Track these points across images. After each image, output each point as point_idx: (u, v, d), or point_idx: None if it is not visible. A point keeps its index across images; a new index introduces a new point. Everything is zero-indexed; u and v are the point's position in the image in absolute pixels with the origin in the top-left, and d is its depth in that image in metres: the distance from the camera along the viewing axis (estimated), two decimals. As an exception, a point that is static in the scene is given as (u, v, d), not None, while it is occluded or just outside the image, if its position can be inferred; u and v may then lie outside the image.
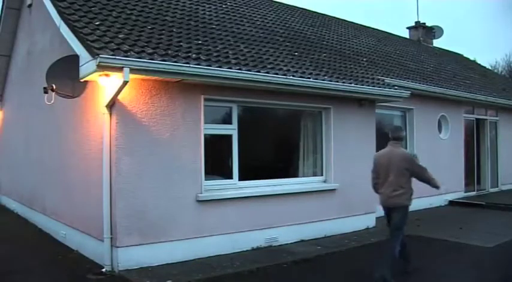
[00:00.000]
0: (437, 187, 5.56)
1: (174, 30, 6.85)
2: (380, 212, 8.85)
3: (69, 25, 5.88)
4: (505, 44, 51.53)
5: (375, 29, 14.86)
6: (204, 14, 8.21)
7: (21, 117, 10.08)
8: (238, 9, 9.44)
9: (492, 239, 7.38)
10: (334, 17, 13.67)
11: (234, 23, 8.41)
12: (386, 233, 7.37)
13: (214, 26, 7.72)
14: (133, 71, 5.28)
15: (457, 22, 51.62)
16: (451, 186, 11.03)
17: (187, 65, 5.76)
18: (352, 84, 7.81)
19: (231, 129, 6.87)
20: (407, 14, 24.92)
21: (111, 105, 5.69)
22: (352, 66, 8.99)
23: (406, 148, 10.75)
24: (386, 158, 5.51)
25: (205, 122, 6.44)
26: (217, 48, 6.73)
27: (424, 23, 16.87)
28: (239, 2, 10.12)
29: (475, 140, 13.13)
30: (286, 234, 7.18)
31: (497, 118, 13.91)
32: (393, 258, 5.31)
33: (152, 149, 5.93)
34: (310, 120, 8.13)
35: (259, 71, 6.54)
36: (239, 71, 6.26)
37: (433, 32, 17.17)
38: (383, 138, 10.02)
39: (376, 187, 5.68)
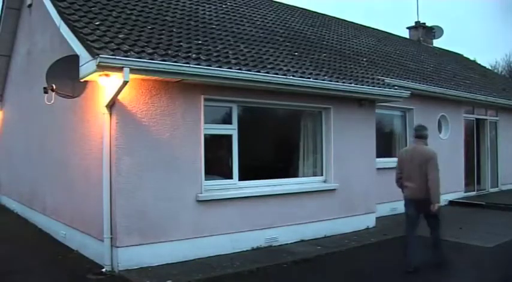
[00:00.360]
0: (434, 202, 5.59)
1: (174, 30, 6.85)
2: (380, 212, 8.94)
3: (69, 25, 5.88)
4: (505, 44, 51.65)
5: (375, 29, 14.86)
6: (204, 14, 8.21)
7: (21, 117, 10.08)
8: (238, 9, 9.44)
9: (492, 239, 7.38)
10: (334, 17, 13.67)
11: (234, 23, 8.41)
12: (387, 233, 7.38)
13: (214, 26, 7.72)
14: (133, 71, 5.28)
15: (457, 22, 51.67)
16: (451, 186, 11.03)
17: (187, 65, 5.76)
18: (352, 84, 7.81)
19: (231, 129, 6.87)
20: (407, 14, 25.02)
21: (111, 105, 5.69)
22: (352, 66, 8.99)
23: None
24: (409, 154, 5.92)
25: (205, 122, 6.43)
26: (217, 48, 6.73)
27: (424, 23, 16.86)
28: (239, 2, 10.12)
29: (475, 140, 13.12)
30: (286, 234, 7.17)
31: (497, 118, 13.90)
32: (440, 242, 5.93)
33: (152, 149, 5.93)
34: (310, 120, 8.13)
35: (259, 71, 6.54)
36: (239, 71, 6.26)
37: (433, 32, 17.17)
38: (383, 138, 10.14)
39: (399, 181, 6.04)
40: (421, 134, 5.94)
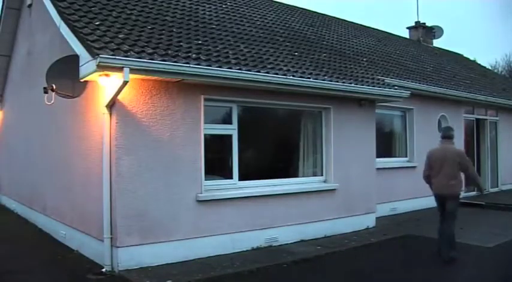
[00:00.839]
0: (481, 189, 6.96)
1: (174, 30, 6.85)
2: (380, 212, 8.94)
3: (69, 25, 5.88)
4: (505, 44, 51.69)
5: (375, 29, 14.87)
6: (204, 14, 8.21)
7: (21, 117, 10.08)
8: (238, 9, 9.44)
9: (492, 239, 7.38)
10: (334, 17, 13.67)
11: (234, 23, 8.41)
12: (387, 233, 7.41)
13: (214, 26, 7.72)
14: (133, 71, 5.28)
15: (457, 22, 51.66)
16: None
17: (187, 65, 5.76)
18: (352, 84, 7.81)
19: (231, 129, 6.87)
20: (407, 14, 24.95)
21: (111, 105, 5.69)
22: (352, 66, 8.98)
23: (406, 148, 10.79)
24: (440, 153, 6.34)
25: (205, 122, 6.43)
26: (217, 48, 6.73)
27: (424, 23, 16.88)
28: (239, 2, 10.12)
29: (475, 140, 13.12)
30: (286, 234, 7.17)
31: (497, 118, 13.90)
32: (453, 237, 6.20)
33: (152, 149, 5.93)
34: (310, 120, 8.12)
35: (259, 71, 6.54)
36: (239, 71, 6.26)
37: (433, 32, 17.18)
38: (383, 138, 10.13)
39: (428, 178, 6.51)
40: (448, 134, 6.44)
